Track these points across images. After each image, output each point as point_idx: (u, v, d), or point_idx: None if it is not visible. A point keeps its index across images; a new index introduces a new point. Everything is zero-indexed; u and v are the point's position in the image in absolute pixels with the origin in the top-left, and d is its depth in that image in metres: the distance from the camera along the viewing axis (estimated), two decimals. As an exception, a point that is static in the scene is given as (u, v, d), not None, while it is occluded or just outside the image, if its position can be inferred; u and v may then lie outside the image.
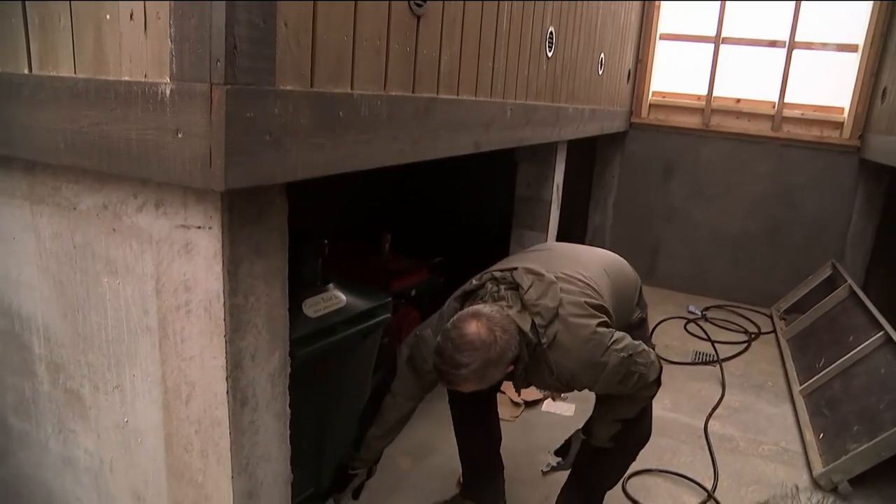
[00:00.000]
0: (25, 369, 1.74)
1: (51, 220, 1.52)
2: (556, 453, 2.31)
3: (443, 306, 2.08)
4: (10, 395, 1.81)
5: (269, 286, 1.39)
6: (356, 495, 2.31)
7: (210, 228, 1.25)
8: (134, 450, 1.58)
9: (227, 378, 1.33)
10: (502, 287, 1.84)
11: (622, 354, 1.82)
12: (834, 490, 2.78)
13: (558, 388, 1.94)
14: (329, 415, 2.33)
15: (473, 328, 1.68)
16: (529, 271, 1.88)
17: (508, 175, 3.59)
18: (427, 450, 2.97)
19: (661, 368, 1.94)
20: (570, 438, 2.25)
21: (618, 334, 1.85)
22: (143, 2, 1.17)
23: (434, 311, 3.88)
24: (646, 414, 2.12)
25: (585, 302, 1.86)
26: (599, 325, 1.85)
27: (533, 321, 1.78)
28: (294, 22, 1.24)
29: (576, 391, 2.01)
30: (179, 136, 1.15)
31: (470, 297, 1.93)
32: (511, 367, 1.77)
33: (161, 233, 1.33)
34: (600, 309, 1.89)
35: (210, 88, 1.09)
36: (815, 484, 2.86)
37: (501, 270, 1.92)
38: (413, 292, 3.53)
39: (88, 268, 1.49)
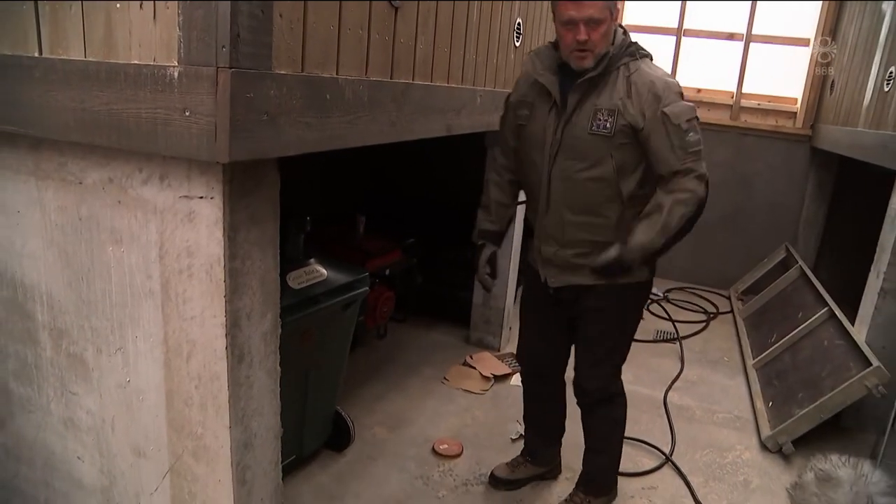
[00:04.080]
0: (28, 337, 1.85)
1: (56, 194, 1.64)
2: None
3: None
4: (11, 363, 1.92)
5: (263, 252, 1.53)
6: (493, 273, 2.46)
7: (212, 198, 1.39)
8: (136, 407, 1.71)
9: (226, 335, 1.47)
10: None
11: (686, 118, 1.93)
12: (779, 450, 3.02)
13: (611, 104, 1.97)
14: (311, 382, 2.48)
15: None
16: None
17: (478, 159, 3.74)
18: (401, 420, 3.14)
19: (707, 189, 1.97)
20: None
21: None
22: (152, -7, 1.30)
23: (407, 290, 4.05)
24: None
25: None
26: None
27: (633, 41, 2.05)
28: (288, 13, 1.38)
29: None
30: (187, 114, 1.29)
31: None
32: (613, 19, 1.95)
33: (165, 203, 1.47)
34: None
35: (216, 71, 1.23)
36: (763, 445, 3.10)
37: None
38: (387, 272, 3.69)
39: (94, 238, 1.61)
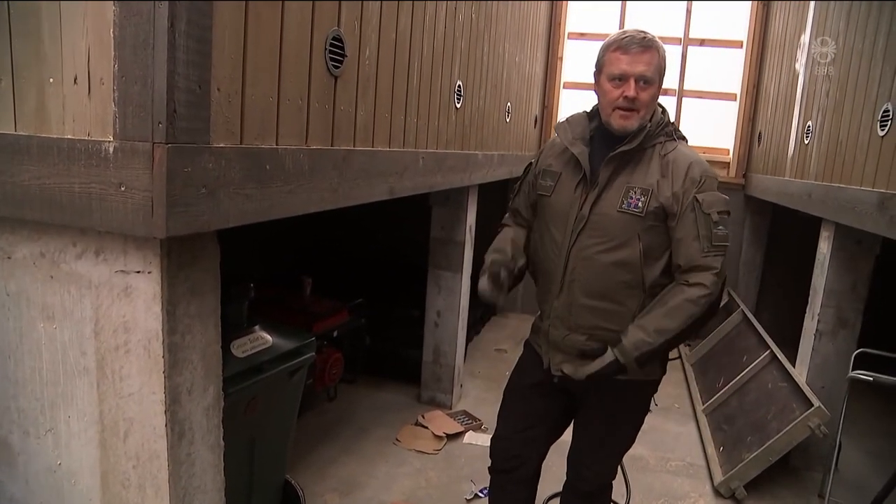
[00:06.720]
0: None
1: (-18, 270, 1.58)
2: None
3: None
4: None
5: (204, 325, 1.50)
6: (497, 281, 1.95)
7: (149, 273, 1.36)
8: (67, 492, 1.62)
9: (165, 412, 1.42)
10: None
11: (717, 209, 1.82)
12: (732, 496, 3.05)
13: (646, 183, 1.85)
14: (257, 452, 2.40)
15: None
16: None
17: (423, 218, 3.78)
18: (354, 486, 3.05)
19: (723, 288, 1.86)
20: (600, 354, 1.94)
21: None
22: (87, 67, 1.30)
23: (356, 351, 4.01)
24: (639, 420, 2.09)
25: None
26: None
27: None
28: (226, 87, 1.39)
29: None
30: (122, 189, 1.27)
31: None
32: (660, 87, 1.87)
33: (101, 278, 1.43)
34: None
35: (152, 147, 1.23)
36: (716, 491, 3.12)
37: None
38: (335, 333, 3.64)
39: (23, 314, 1.55)
